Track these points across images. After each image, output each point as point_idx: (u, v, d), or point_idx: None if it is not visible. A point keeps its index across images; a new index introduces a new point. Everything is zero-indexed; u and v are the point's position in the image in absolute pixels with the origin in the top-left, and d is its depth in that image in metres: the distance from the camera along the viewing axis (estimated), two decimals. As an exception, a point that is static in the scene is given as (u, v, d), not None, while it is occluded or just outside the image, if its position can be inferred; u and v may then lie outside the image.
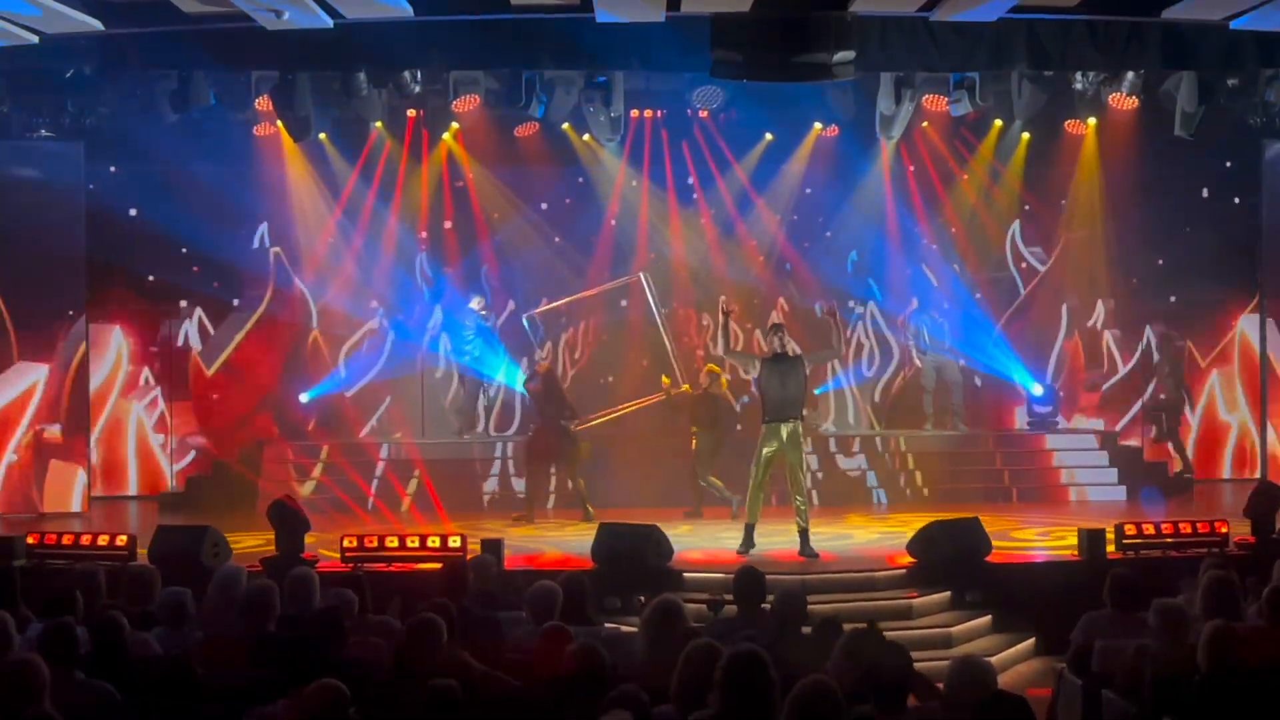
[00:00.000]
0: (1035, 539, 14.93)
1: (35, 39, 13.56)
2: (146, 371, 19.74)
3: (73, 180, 17.79)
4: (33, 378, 17.98)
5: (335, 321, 20.04)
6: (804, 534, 13.58)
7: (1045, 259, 20.81)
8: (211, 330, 19.90)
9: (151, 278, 19.52)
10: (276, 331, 19.97)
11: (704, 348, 20.26)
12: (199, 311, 19.84)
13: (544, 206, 20.16)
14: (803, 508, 13.61)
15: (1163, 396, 20.03)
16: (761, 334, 19.53)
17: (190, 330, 19.85)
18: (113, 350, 19.58)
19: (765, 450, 13.56)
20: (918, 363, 20.08)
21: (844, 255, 20.45)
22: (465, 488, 18.16)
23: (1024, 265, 20.88)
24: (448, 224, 20.07)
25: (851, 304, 20.48)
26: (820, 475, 18.12)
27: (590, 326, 20.46)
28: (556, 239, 20.16)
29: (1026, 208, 20.66)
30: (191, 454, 19.72)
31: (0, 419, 17.83)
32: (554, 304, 19.96)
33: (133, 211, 18.96)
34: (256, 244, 19.86)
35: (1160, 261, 20.12)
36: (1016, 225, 20.78)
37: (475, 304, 19.21)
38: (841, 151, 19.87)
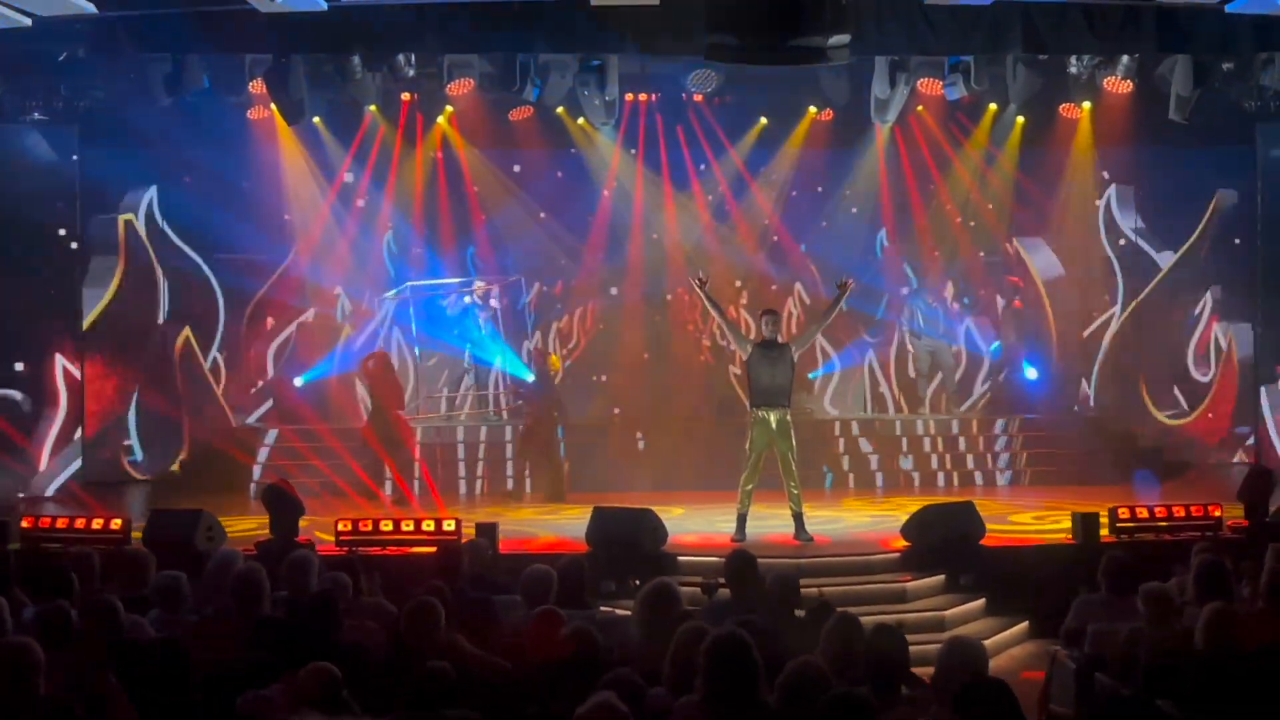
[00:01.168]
0: (1028, 523, 14.98)
1: (28, 21, 13.53)
2: None
3: (66, 163, 17.75)
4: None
5: (329, 304, 19.99)
6: (798, 519, 13.60)
7: (1149, 235, 20.23)
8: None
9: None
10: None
11: (710, 336, 20.25)
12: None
13: (538, 190, 20.12)
14: (795, 493, 13.62)
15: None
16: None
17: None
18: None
19: (756, 443, 13.57)
20: (910, 347, 20.05)
21: (836, 238, 20.44)
22: (460, 471, 18.20)
23: (1123, 242, 20.31)
24: (442, 208, 20.03)
25: (905, 291, 20.53)
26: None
27: (588, 313, 20.43)
28: (551, 223, 20.15)
29: (1105, 175, 20.23)
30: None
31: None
32: (404, 293, 19.82)
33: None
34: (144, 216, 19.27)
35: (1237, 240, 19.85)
36: (1112, 192, 20.35)
37: (477, 288, 19.19)
38: (836, 135, 19.85)
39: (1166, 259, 20.05)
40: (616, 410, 19.27)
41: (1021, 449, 18.92)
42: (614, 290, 20.34)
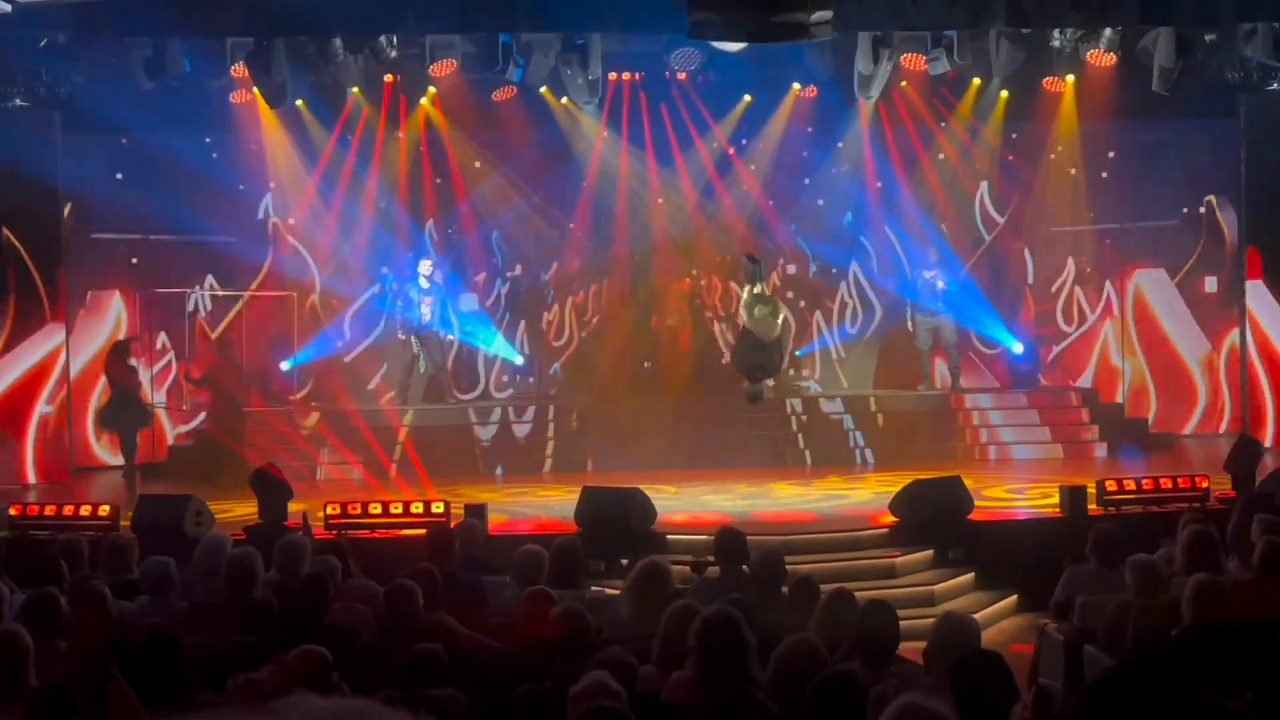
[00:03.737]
0: (1016, 497, 15.01)
1: (8, 7, 13.48)
2: (163, 336, 19.38)
3: (48, 149, 17.67)
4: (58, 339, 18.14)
5: (315, 289, 19.95)
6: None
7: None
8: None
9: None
10: (263, 301, 19.75)
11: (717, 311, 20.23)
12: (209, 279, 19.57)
13: (523, 170, 20.05)
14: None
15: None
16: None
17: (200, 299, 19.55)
18: (111, 317, 19.26)
19: None
20: (910, 325, 19.81)
21: (824, 216, 20.42)
22: (453, 454, 18.20)
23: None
24: (426, 190, 19.98)
25: (835, 271, 20.53)
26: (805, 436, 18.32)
27: (588, 305, 20.31)
28: (536, 203, 20.10)
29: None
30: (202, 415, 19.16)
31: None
32: (219, 291, 19.68)
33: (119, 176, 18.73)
34: (261, 214, 19.67)
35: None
36: None
37: (424, 267, 19.02)
38: (820, 112, 19.81)
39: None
40: (604, 391, 19.27)
41: (1008, 424, 18.92)
42: (599, 270, 20.27)
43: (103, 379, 18.60)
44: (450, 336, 19.32)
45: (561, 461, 18.00)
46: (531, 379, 20.13)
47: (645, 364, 19.79)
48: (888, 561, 12.63)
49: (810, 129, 20.00)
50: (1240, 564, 9.07)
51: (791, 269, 20.50)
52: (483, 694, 6.19)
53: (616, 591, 9.06)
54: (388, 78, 18.63)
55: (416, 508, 12.75)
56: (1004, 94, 19.37)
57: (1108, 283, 20.41)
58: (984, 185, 20.57)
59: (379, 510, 12.78)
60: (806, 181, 20.35)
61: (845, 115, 19.75)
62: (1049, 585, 9.66)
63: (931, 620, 6.60)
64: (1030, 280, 20.55)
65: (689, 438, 17.51)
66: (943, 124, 19.89)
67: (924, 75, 18.61)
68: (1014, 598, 12.64)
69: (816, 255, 20.43)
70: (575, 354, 20.24)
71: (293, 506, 12.90)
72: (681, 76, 19.21)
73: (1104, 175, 20.12)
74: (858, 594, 7.56)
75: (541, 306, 20.29)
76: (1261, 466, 13.47)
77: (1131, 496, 13.17)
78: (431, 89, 18.82)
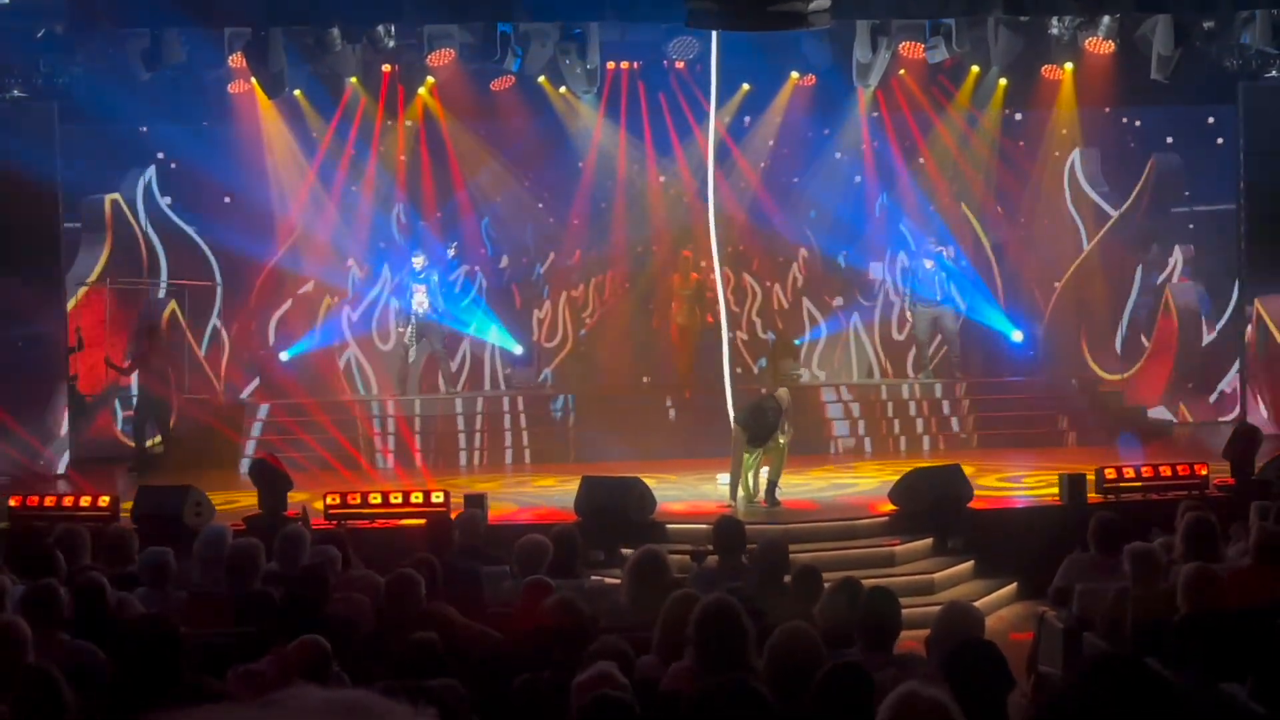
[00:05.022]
0: (1015, 485, 15.01)
1: (5, -1, 13.50)
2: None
3: (46, 140, 17.66)
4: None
5: (312, 279, 19.92)
6: (772, 485, 13.61)
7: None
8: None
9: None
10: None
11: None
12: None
13: (521, 160, 20.02)
14: (778, 463, 13.63)
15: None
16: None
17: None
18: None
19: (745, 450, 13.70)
20: (908, 315, 19.78)
21: (819, 206, 20.38)
22: (449, 445, 18.20)
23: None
24: (425, 180, 19.95)
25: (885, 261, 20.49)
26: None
27: (590, 300, 20.28)
28: (534, 192, 20.08)
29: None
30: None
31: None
32: (137, 282, 19.48)
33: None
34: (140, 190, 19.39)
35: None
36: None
37: (417, 261, 18.98)
38: (819, 100, 19.79)
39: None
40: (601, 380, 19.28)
41: (1008, 412, 18.91)
42: (598, 262, 20.24)
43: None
44: (446, 326, 19.28)
45: (557, 453, 17.99)
46: (510, 369, 20.12)
47: (645, 379, 19.73)
48: (887, 550, 12.64)
49: (809, 117, 19.97)
50: (1240, 550, 9.08)
51: (845, 262, 20.37)
52: (481, 684, 6.20)
53: (617, 581, 9.06)
54: (386, 67, 18.62)
55: (416, 497, 12.76)
56: (1002, 82, 19.33)
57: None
58: (1076, 153, 20.24)
59: (378, 500, 12.79)
60: (838, 155, 20.22)
61: (844, 104, 19.73)
62: (1048, 573, 9.66)
63: (931, 609, 6.61)
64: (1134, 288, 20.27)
65: (689, 428, 17.49)
66: (941, 112, 19.82)
67: (922, 63, 18.60)
68: (1013, 586, 12.64)
69: (841, 248, 20.35)
70: (570, 356, 20.19)
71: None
72: (679, 65, 19.18)
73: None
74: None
75: (533, 303, 20.24)
76: (1260, 454, 13.46)
77: (1131, 484, 13.17)
78: (430, 79, 18.80)
